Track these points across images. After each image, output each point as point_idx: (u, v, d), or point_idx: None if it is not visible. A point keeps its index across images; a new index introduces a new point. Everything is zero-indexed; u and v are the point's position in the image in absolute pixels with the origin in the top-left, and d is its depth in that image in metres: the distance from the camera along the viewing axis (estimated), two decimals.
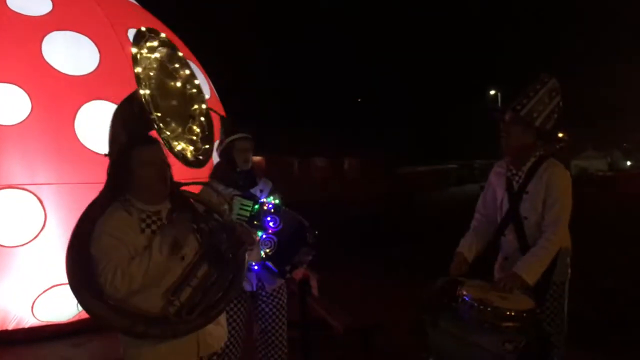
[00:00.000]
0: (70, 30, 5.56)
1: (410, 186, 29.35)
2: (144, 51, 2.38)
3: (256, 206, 3.24)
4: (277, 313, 3.52)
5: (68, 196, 5.08)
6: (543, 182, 3.04)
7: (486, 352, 2.56)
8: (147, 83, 2.33)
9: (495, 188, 3.32)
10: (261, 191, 3.45)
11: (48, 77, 5.25)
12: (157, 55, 2.47)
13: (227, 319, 3.37)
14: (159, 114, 2.28)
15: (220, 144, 3.48)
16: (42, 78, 5.23)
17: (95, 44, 5.63)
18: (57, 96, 5.23)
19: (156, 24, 6.83)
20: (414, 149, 45.48)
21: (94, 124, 5.33)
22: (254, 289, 3.43)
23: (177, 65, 2.58)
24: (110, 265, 2.10)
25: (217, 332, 2.41)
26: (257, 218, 3.22)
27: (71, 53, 5.48)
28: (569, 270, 3.13)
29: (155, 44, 2.45)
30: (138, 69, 2.27)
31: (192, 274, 2.26)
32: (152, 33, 2.45)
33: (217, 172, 3.49)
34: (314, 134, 29.89)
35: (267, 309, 3.50)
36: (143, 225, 2.22)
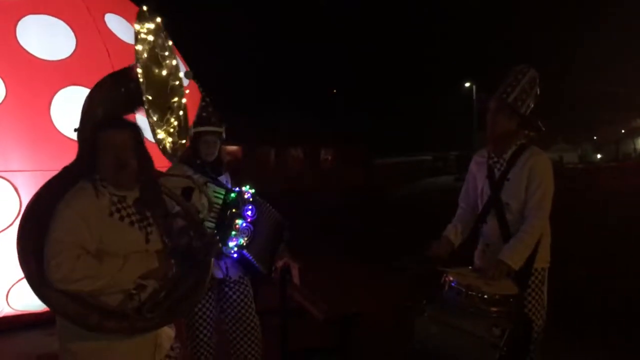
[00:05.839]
0: (46, 14, 5.43)
1: (386, 177, 29.54)
2: (144, 31, 2.31)
3: (232, 194, 3.23)
4: (245, 300, 3.52)
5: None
6: (526, 169, 3.09)
7: (473, 337, 2.59)
8: (141, 63, 2.29)
9: (475, 176, 3.37)
10: (226, 182, 3.46)
11: (23, 61, 5.13)
12: (150, 38, 2.42)
13: (200, 307, 3.39)
14: (150, 97, 2.25)
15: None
16: (17, 63, 5.11)
17: (72, 29, 5.51)
18: (32, 81, 5.11)
19: (134, 9, 6.72)
20: (389, 141, 45.72)
21: (71, 110, 5.23)
22: (224, 275, 3.42)
23: (166, 54, 2.54)
24: (72, 252, 2.00)
25: (169, 333, 2.34)
26: (236, 206, 3.22)
27: (47, 37, 5.36)
28: (549, 257, 3.20)
29: (152, 26, 2.40)
30: (139, 47, 2.22)
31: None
32: (151, 15, 2.40)
33: (184, 157, 3.46)
34: (290, 125, 29.84)
35: (234, 297, 3.51)
36: (113, 208, 2.14)
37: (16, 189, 4.95)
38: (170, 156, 2.53)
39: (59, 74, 5.27)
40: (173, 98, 2.62)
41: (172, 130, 2.60)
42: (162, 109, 2.57)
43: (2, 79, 5.00)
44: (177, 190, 2.55)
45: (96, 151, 2.16)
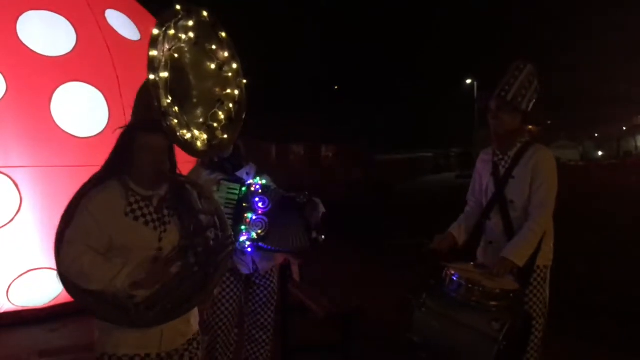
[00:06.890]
0: (46, 9, 5.42)
1: (387, 174, 29.49)
2: (172, 32, 2.27)
3: (243, 189, 3.23)
4: (269, 296, 3.52)
5: (44, 179, 5.00)
6: (530, 166, 3.08)
7: (473, 330, 2.58)
8: (167, 65, 2.25)
9: (481, 174, 3.36)
10: (247, 174, 3.42)
11: (23, 57, 5.13)
12: (191, 34, 2.41)
13: (223, 303, 3.36)
14: (169, 101, 2.22)
15: None
16: (17, 58, 5.11)
17: (72, 24, 5.51)
18: (32, 77, 5.11)
19: (135, 5, 6.70)
20: (390, 137, 45.75)
21: (71, 105, 5.24)
22: (251, 271, 3.41)
23: (214, 47, 2.52)
24: (77, 247, 2.12)
25: (183, 328, 2.35)
26: (246, 200, 3.20)
27: (47, 33, 5.36)
28: (552, 255, 3.18)
29: (191, 23, 2.38)
30: (153, 53, 2.19)
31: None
32: (189, 12, 2.36)
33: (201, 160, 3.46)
34: (291, 121, 29.79)
35: (258, 292, 3.50)
36: (128, 209, 2.19)
37: (16, 185, 4.96)
38: (198, 153, 2.48)
39: (60, 69, 5.27)
40: (225, 89, 2.58)
41: (215, 125, 2.55)
42: (210, 102, 2.55)
43: (3, 74, 4.99)
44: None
45: (131, 151, 2.21)
